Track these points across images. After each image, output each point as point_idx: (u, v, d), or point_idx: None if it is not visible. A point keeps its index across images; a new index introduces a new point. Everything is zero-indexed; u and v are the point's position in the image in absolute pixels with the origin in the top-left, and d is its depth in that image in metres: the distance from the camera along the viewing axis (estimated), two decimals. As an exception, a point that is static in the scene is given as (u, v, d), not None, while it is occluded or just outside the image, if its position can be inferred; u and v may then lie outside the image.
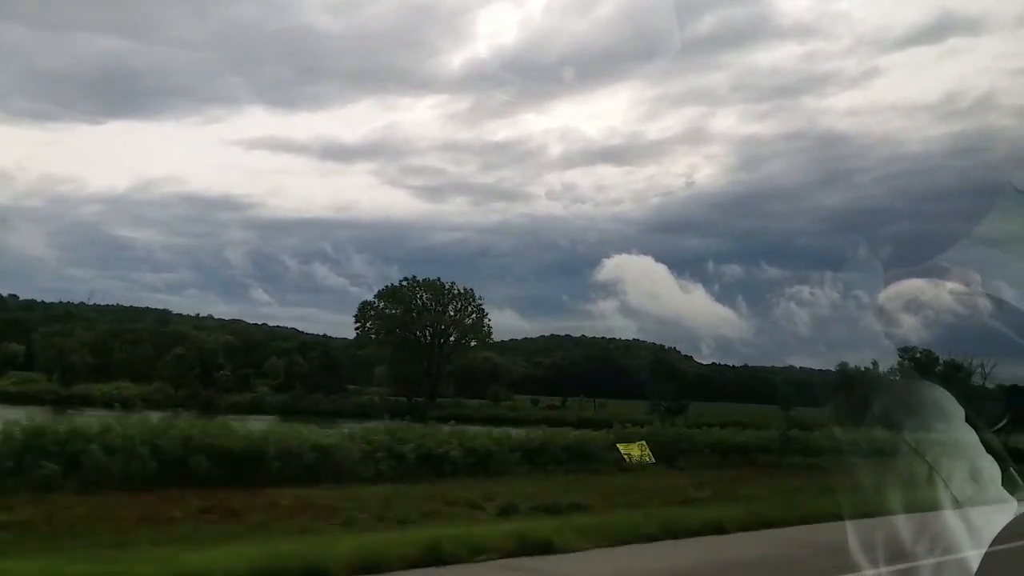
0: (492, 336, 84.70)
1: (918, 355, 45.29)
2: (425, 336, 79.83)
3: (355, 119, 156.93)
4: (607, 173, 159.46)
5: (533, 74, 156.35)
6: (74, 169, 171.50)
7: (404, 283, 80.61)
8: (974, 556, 4.96)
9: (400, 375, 79.13)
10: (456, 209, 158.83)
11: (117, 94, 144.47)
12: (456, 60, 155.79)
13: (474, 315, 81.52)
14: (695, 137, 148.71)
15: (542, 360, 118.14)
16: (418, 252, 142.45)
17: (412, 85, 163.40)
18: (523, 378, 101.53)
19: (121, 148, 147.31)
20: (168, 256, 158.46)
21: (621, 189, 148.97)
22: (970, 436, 5.04)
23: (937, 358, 50.89)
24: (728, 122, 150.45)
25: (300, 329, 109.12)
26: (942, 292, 5.37)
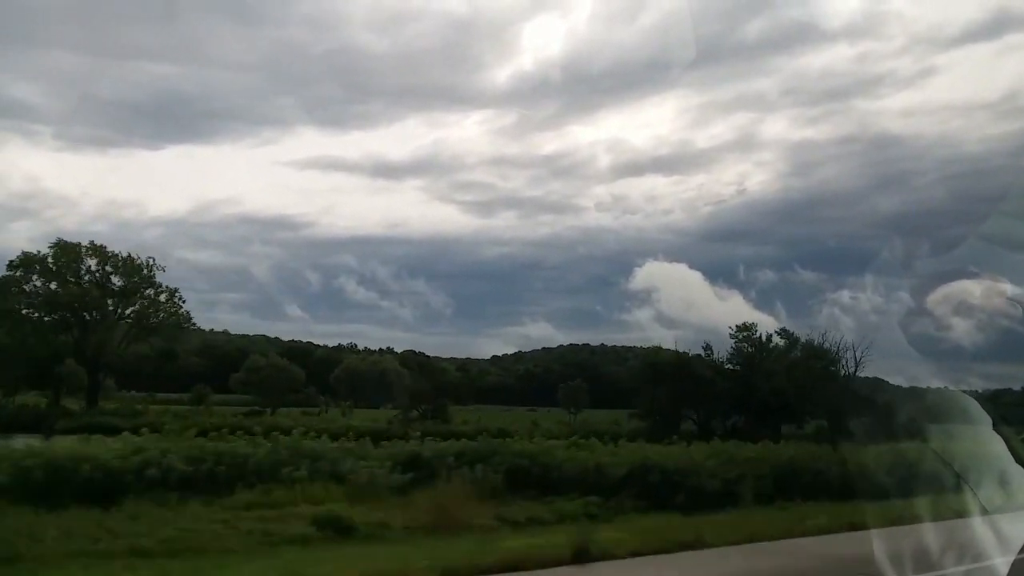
0: (191, 321, 62.04)
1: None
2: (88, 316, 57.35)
3: (404, 136, 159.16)
4: (657, 183, 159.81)
5: (579, 85, 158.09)
6: (136, 194, 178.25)
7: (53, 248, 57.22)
8: (1003, 563, 4.93)
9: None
10: (505, 223, 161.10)
11: (173, 119, 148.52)
12: (502, 74, 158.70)
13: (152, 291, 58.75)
14: (745, 144, 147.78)
15: (518, 368, 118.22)
16: (468, 267, 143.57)
17: (459, 101, 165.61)
18: (498, 386, 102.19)
19: (179, 172, 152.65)
20: (223, 276, 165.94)
21: (671, 199, 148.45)
22: (998, 444, 5.02)
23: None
24: (778, 127, 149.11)
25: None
26: (993, 294, 5.28)
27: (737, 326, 54.72)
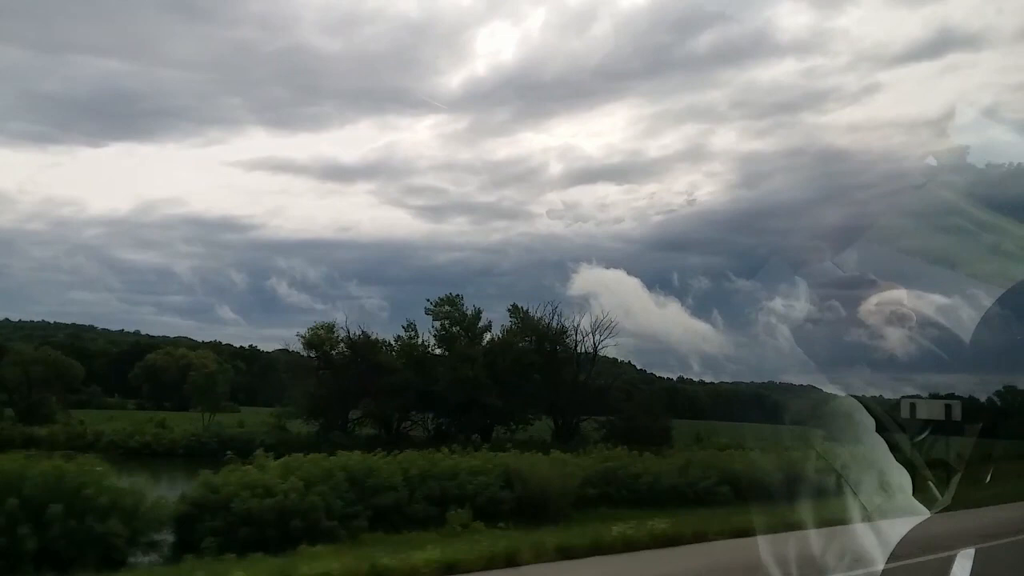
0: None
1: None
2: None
3: (355, 139, 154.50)
4: (608, 191, 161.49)
5: (532, 92, 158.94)
6: (75, 192, 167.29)
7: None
8: (883, 567, 4.92)
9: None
10: (457, 229, 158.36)
11: (117, 116, 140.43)
12: (455, 79, 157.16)
13: None
14: (696, 154, 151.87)
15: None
16: (419, 272, 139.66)
17: (411, 105, 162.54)
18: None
19: (122, 170, 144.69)
20: (167, 278, 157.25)
21: (623, 207, 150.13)
22: (880, 446, 5.03)
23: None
24: (728, 139, 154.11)
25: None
26: (925, 303, 5.27)
27: (440, 298, 42.15)
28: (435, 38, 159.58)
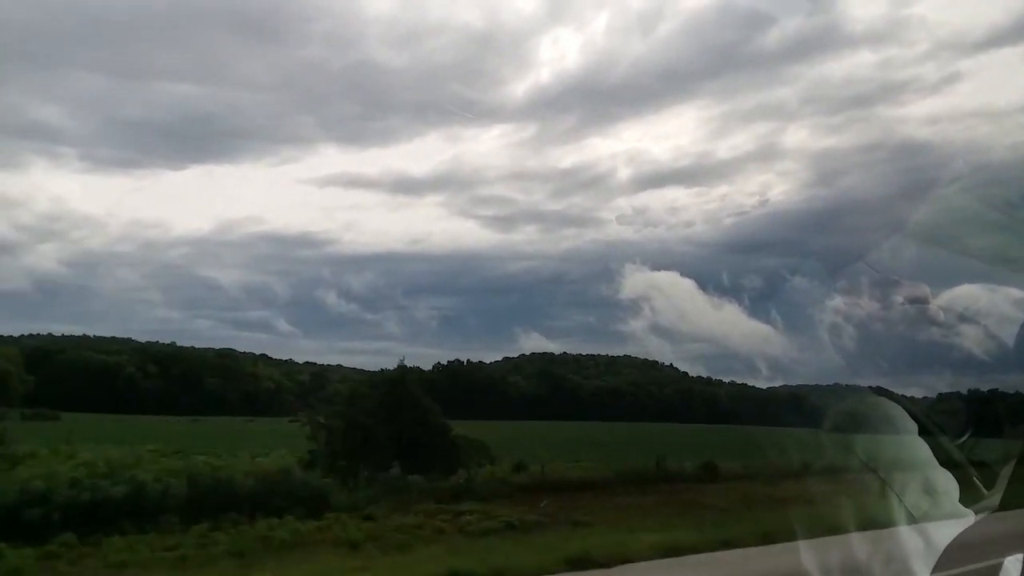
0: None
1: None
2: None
3: (423, 152, 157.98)
4: (678, 195, 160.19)
5: (597, 97, 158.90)
6: (160, 213, 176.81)
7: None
8: (929, 574, 4.83)
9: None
10: (526, 238, 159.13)
11: (195, 139, 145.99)
12: (520, 88, 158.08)
13: None
14: (767, 153, 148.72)
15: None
16: (490, 282, 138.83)
17: (478, 115, 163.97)
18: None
19: (202, 191, 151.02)
20: (247, 295, 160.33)
21: (693, 210, 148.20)
22: (923, 448, 4.95)
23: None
24: (801, 136, 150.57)
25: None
26: (999, 298, 5.09)
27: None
28: (499, 47, 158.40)
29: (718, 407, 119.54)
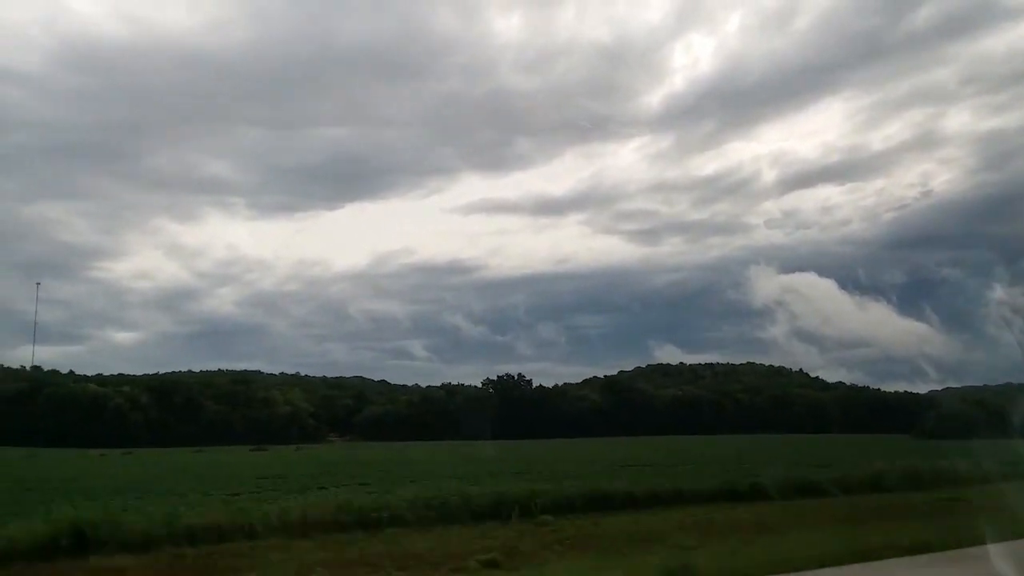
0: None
1: None
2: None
3: (562, 172, 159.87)
4: (830, 193, 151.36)
5: (735, 100, 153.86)
6: (320, 252, 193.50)
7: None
8: None
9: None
10: (672, 250, 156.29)
11: (347, 179, 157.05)
12: (655, 98, 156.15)
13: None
14: (926, 141, 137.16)
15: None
16: (639, 297, 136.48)
17: (614, 130, 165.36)
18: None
19: (357, 228, 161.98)
20: (404, 324, 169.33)
21: (848, 208, 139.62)
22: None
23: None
24: (962, 119, 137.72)
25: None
26: None
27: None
28: (630, 60, 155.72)
29: (879, 414, 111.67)
